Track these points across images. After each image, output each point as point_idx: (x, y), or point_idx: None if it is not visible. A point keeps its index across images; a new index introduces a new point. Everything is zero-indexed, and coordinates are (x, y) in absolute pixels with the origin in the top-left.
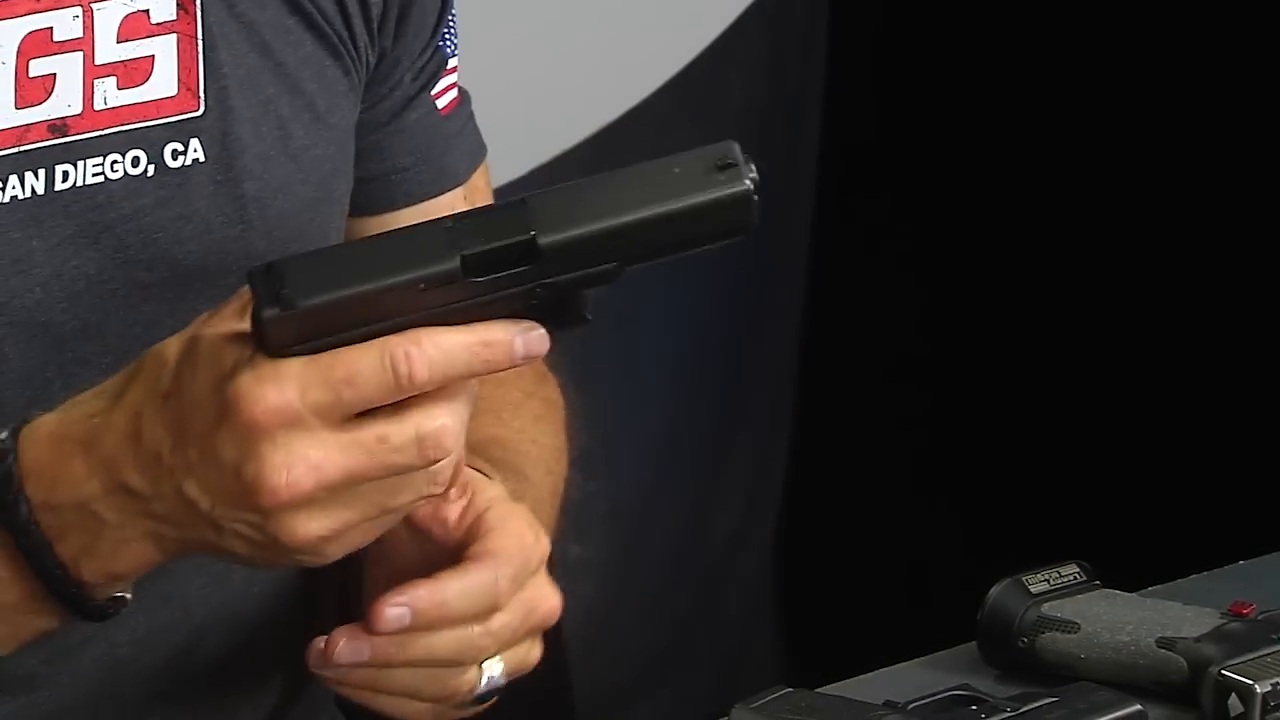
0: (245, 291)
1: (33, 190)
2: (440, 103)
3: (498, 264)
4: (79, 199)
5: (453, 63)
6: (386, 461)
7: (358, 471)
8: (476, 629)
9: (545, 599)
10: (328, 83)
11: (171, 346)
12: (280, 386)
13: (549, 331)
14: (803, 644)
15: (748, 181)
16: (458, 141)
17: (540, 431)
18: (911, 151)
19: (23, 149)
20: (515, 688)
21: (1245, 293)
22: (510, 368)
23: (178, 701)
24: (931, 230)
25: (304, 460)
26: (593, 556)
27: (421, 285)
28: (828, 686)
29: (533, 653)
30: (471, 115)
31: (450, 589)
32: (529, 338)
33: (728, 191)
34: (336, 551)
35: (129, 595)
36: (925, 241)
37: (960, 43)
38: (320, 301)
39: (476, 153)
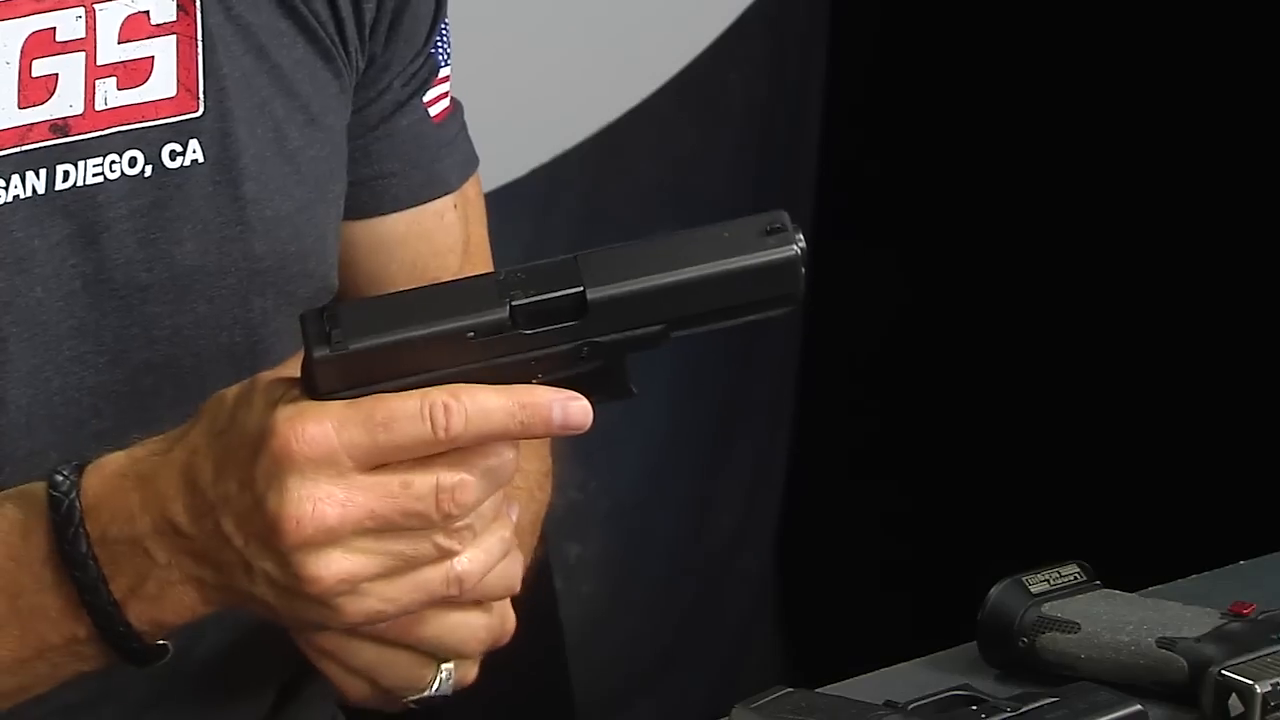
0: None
1: (34, 190)
2: (432, 110)
3: (546, 317)
4: (79, 199)
5: (445, 72)
6: (406, 507)
7: (379, 513)
8: (475, 617)
9: (509, 620)
10: (320, 85)
11: (232, 390)
12: (319, 422)
13: (592, 402)
14: (803, 643)
15: (795, 247)
16: (449, 150)
17: (527, 458)
18: (912, 151)
19: (25, 148)
20: (516, 686)
21: (1244, 292)
22: (544, 436)
23: (178, 699)
24: (932, 230)
25: (330, 496)
26: (593, 556)
27: (470, 334)
28: (828, 686)
29: (471, 672)
30: (464, 126)
31: None
32: (570, 408)
33: (776, 255)
34: (355, 609)
35: (171, 646)
36: (926, 241)
37: (960, 42)
38: (369, 345)
39: (468, 163)
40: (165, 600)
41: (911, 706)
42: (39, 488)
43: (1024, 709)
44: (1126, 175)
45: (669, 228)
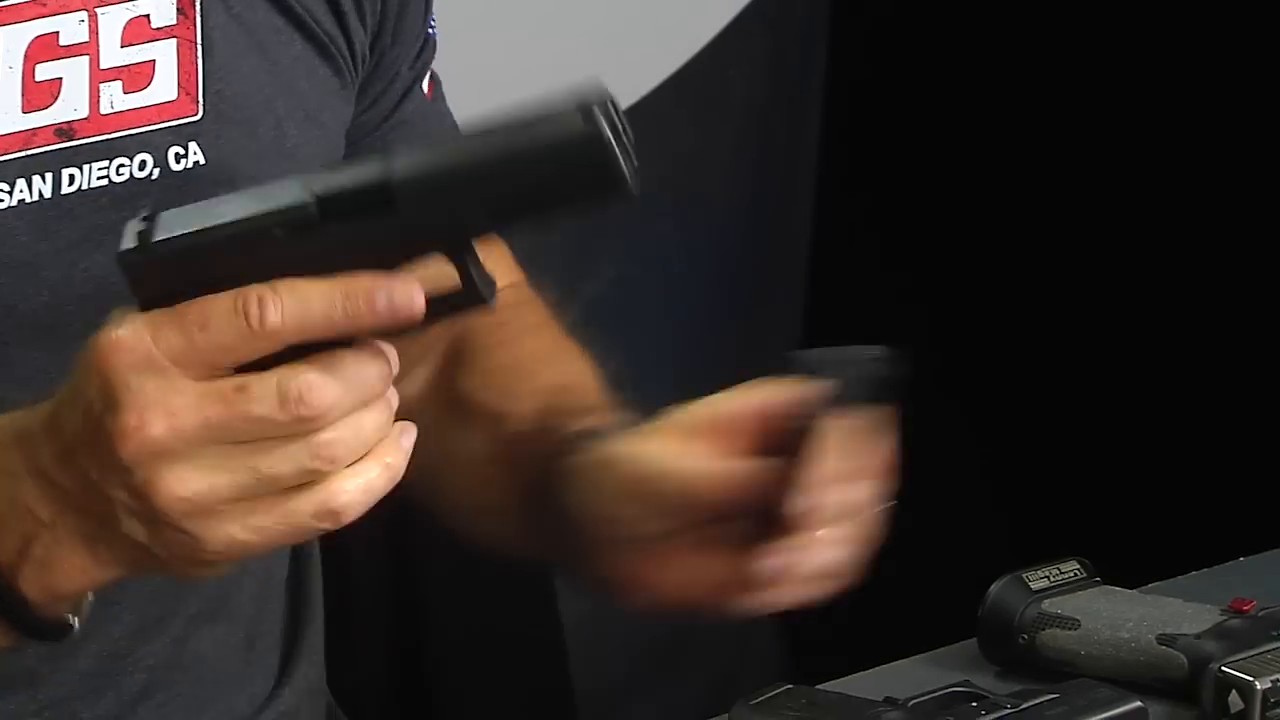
0: None
1: (40, 194)
2: (424, 88)
3: (354, 208)
4: (84, 202)
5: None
6: (245, 411)
7: (215, 421)
8: None
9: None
10: (318, 82)
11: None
12: (134, 330)
13: (445, 314)
14: (803, 640)
15: (603, 124)
16: (445, 120)
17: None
18: (912, 149)
19: (30, 153)
20: (516, 682)
21: (1244, 290)
22: (375, 324)
23: (173, 690)
24: (932, 228)
25: (157, 404)
26: None
27: (278, 229)
28: (828, 683)
29: None
30: (443, 98)
31: None
32: (396, 289)
33: (578, 130)
34: (214, 535)
35: (75, 624)
36: (926, 239)
37: (961, 40)
38: (174, 240)
39: (456, 128)
40: (54, 563)
41: (912, 703)
42: None
43: (1024, 706)
44: (1127, 174)
45: (667, 225)
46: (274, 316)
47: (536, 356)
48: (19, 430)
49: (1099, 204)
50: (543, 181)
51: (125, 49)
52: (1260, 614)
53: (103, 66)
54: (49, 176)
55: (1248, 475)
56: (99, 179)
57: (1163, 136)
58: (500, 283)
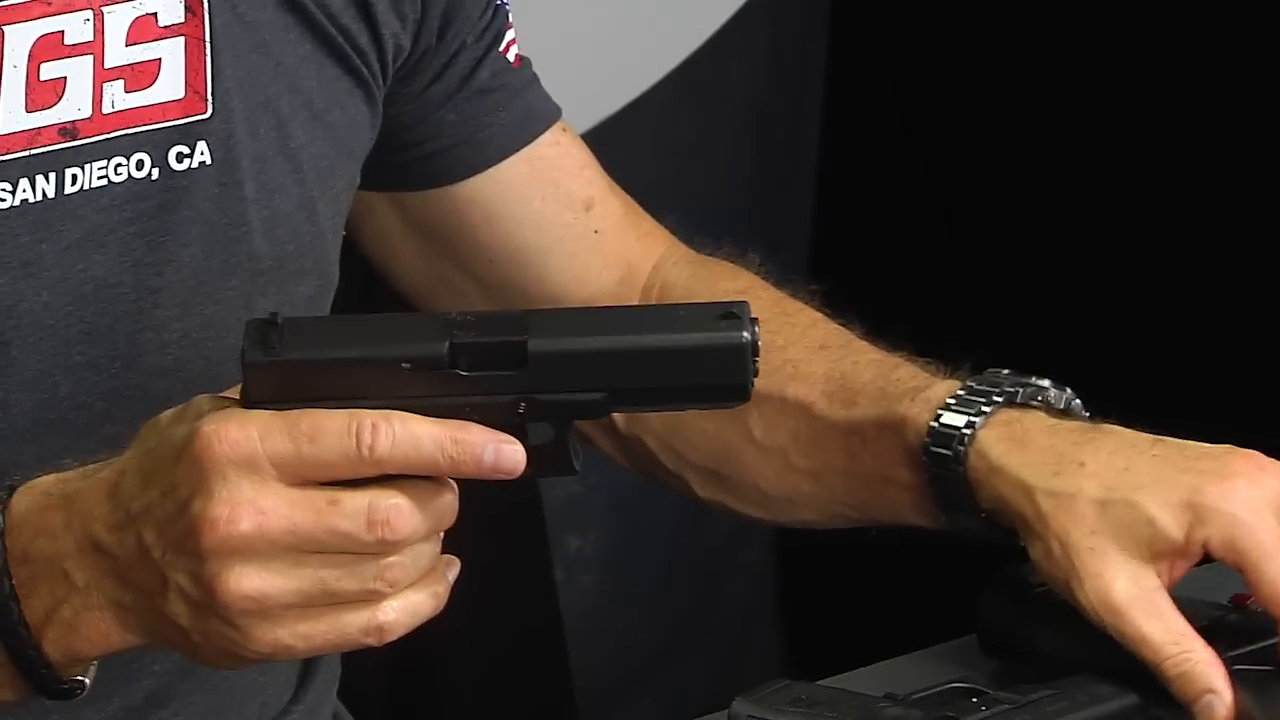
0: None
1: (43, 194)
2: (509, 55)
3: (485, 361)
4: (87, 202)
5: (509, 19)
6: (332, 525)
7: (301, 529)
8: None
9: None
10: (327, 81)
11: (168, 412)
12: (243, 425)
13: (532, 474)
14: (803, 636)
15: (745, 334)
16: (534, 88)
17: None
18: (912, 145)
19: (33, 152)
20: (516, 678)
21: (1244, 284)
22: (475, 475)
23: (183, 699)
24: (932, 226)
25: (250, 502)
26: (593, 548)
27: (406, 364)
28: (828, 679)
29: None
30: (537, 77)
31: None
32: (503, 449)
33: (722, 338)
34: (263, 636)
35: (87, 682)
36: (926, 236)
37: (962, 37)
38: (304, 357)
39: (555, 108)
40: (81, 627)
41: (912, 698)
42: None
43: (1023, 701)
44: (1128, 171)
45: (668, 222)
46: (384, 447)
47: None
48: (68, 492)
49: (1099, 201)
50: (672, 377)
51: (130, 48)
52: (1260, 608)
53: (107, 66)
54: (52, 176)
55: None
56: (99, 179)
57: (1162, 136)
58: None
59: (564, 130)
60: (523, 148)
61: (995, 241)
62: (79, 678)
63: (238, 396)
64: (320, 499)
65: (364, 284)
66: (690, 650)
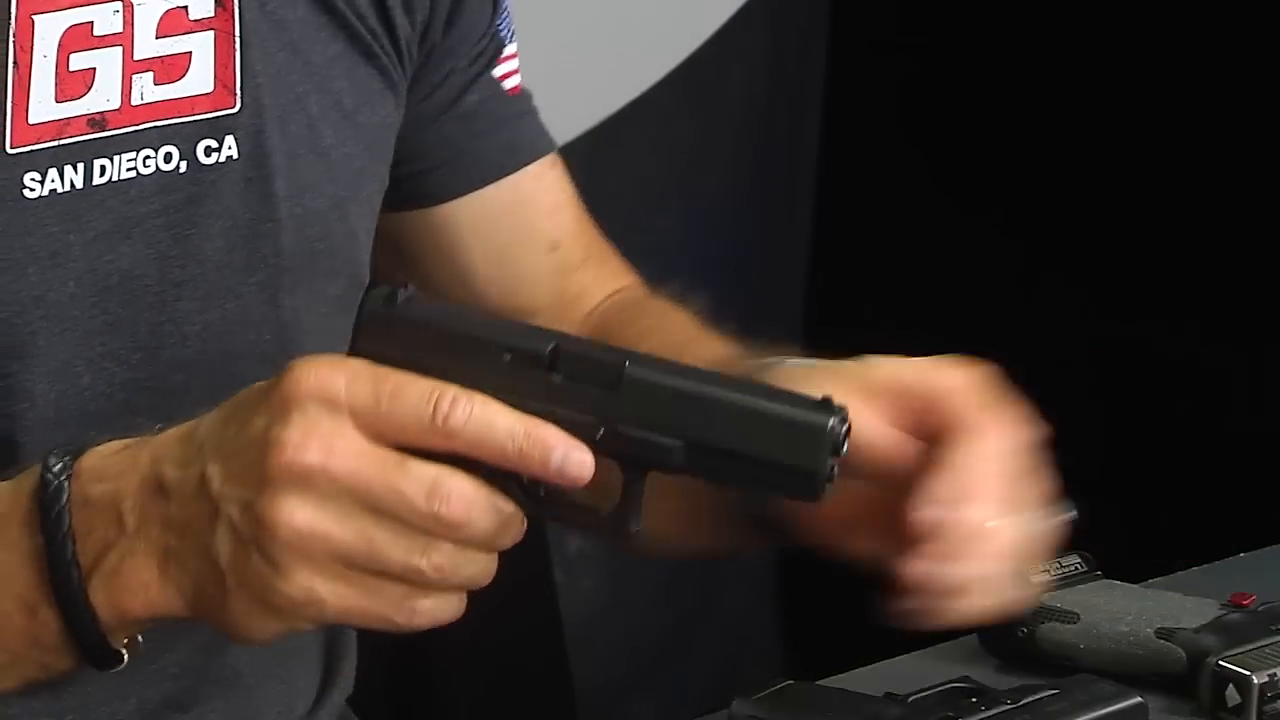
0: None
1: (71, 184)
2: (505, 84)
3: (581, 373)
4: (114, 194)
5: (510, 50)
6: (394, 484)
7: (364, 478)
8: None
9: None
10: (358, 81)
11: (259, 383)
12: (334, 369)
13: (582, 526)
14: (804, 636)
15: (831, 419)
16: (530, 119)
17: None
18: (912, 147)
19: (62, 143)
20: (516, 679)
21: (1244, 286)
22: (539, 473)
23: (207, 706)
24: (932, 223)
25: (324, 437)
26: (593, 549)
27: (508, 354)
28: (829, 679)
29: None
30: (535, 111)
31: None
32: (572, 456)
33: (805, 416)
34: (299, 581)
35: (125, 657)
36: (926, 234)
37: (961, 35)
38: (419, 318)
39: (550, 136)
40: (125, 573)
41: (912, 699)
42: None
43: (1024, 701)
44: (1129, 168)
45: (668, 221)
46: (459, 419)
47: (684, 340)
48: (145, 439)
49: (1099, 198)
50: (750, 450)
51: (161, 40)
52: (1260, 608)
53: (136, 57)
54: (80, 167)
55: (1249, 471)
56: (128, 170)
57: (1162, 134)
58: (620, 284)
59: (551, 166)
60: (502, 178)
61: (996, 241)
62: (118, 646)
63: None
64: (390, 457)
65: None
66: (690, 651)
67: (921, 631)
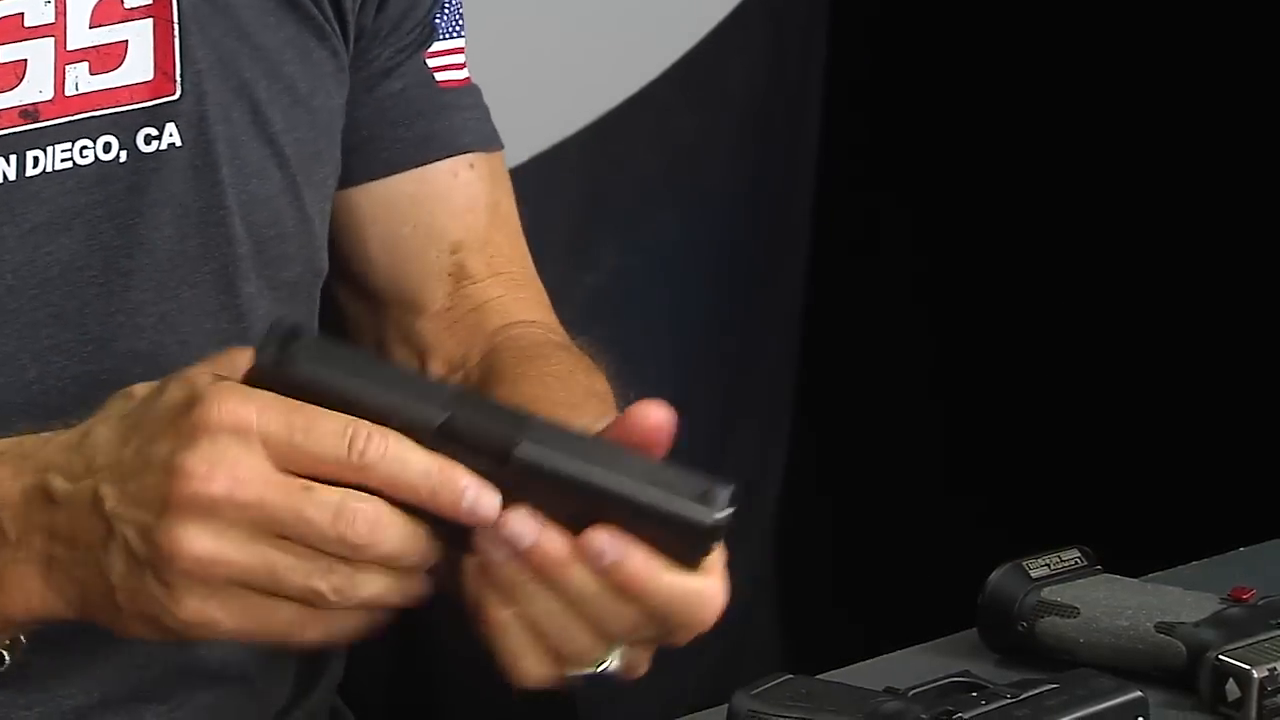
0: (228, 356)
1: (4, 176)
2: (438, 76)
3: (469, 446)
4: (50, 185)
5: (454, 44)
6: (299, 509)
7: (270, 505)
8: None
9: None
10: (312, 65)
11: (142, 385)
12: (245, 399)
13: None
14: (803, 630)
15: (714, 515)
16: (455, 113)
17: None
18: (912, 143)
19: None
20: None
21: (1244, 281)
22: (448, 513)
23: (186, 700)
24: (932, 221)
25: (230, 465)
26: None
27: (395, 421)
28: (828, 673)
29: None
30: (483, 107)
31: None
32: (484, 497)
33: (690, 512)
34: (191, 605)
35: (7, 659)
36: (926, 232)
37: (961, 34)
38: (312, 378)
39: (488, 139)
40: (6, 581)
41: (912, 693)
42: None
43: (1024, 695)
44: (1130, 166)
45: (667, 216)
46: (374, 455)
47: (555, 393)
48: (24, 449)
49: (1099, 196)
50: (637, 531)
51: (95, 29)
52: (1259, 603)
53: (70, 48)
54: (13, 159)
55: (1249, 465)
56: (63, 161)
57: (1162, 132)
58: (530, 317)
59: (472, 167)
60: (410, 169)
61: (996, 241)
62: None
63: (221, 366)
64: (296, 483)
65: None
66: (690, 645)
67: (921, 625)
